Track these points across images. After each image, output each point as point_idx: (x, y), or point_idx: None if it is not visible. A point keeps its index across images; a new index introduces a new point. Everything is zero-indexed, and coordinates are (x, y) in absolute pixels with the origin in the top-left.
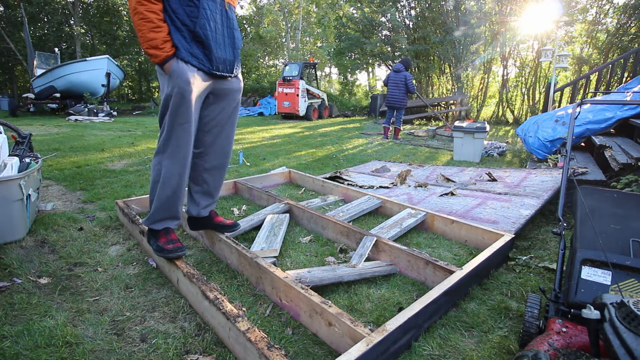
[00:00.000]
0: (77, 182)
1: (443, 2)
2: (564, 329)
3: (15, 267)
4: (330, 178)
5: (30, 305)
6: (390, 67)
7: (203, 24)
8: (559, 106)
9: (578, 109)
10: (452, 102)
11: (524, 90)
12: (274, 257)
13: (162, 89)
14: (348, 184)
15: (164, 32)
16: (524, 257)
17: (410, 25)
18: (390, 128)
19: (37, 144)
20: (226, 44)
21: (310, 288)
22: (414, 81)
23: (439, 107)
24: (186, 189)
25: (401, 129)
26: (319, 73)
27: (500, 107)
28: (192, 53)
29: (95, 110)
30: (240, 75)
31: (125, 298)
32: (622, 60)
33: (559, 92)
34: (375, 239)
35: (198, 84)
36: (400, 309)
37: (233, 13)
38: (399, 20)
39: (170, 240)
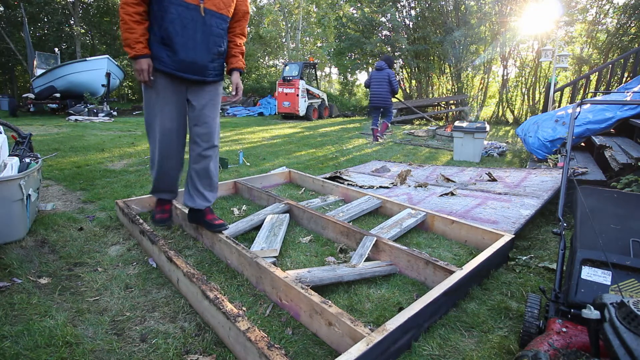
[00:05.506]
0: (77, 182)
1: (443, 2)
2: (564, 329)
3: (15, 267)
4: (330, 178)
5: (30, 305)
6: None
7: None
8: (559, 106)
9: (578, 109)
10: (452, 102)
11: (524, 90)
12: (274, 257)
13: None
14: (348, 184)
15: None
16: (524, 257)
17: (410, 25)
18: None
19: (37, 144)
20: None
21: (310, 288)
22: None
23: (438, 107)
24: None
25: (389, 125)
26: (319, 73)
27: (500, 107)
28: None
29: (95, 110)
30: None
31: (125, 298)
32: (622, 60)
33: (559, 92)
34: (375, 239)
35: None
36: (400, 309)
37: (213, 19)
38: (399, 20)
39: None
